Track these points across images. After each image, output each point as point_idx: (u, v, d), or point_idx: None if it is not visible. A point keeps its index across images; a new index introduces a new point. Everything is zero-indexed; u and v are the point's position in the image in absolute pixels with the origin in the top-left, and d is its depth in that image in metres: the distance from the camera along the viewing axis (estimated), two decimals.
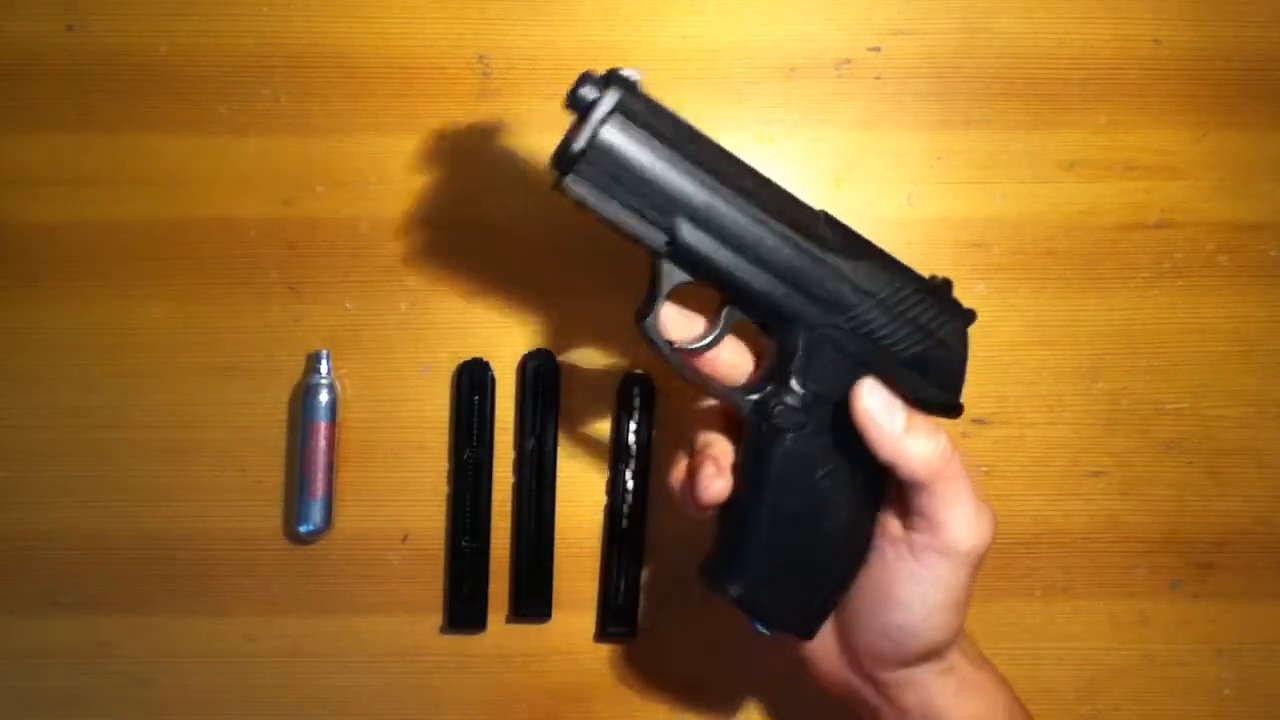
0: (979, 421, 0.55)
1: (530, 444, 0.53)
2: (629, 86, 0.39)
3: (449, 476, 0.53)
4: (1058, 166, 0.55)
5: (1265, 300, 0.55)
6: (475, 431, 0.53)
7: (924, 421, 0.41)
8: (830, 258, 0.41)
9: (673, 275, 0.41)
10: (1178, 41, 0.56)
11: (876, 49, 0.55)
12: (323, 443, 0.52)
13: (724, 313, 0.43)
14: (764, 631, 0.44)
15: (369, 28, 0.54)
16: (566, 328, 0.54)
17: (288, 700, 0.53)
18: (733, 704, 0.54)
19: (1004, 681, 0.44)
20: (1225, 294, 0.55)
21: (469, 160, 0.54)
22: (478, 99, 0.54)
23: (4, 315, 0.54)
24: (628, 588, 0.53)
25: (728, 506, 0.43)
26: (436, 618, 0.54)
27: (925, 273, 0.44)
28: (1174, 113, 0.55)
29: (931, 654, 0.42)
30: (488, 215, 0.54)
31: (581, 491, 0.54)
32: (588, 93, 0.39)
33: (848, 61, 0.55)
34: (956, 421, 0.54)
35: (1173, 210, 0.55)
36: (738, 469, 0.43)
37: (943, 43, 0.55)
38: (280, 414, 0.53)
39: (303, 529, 0.52)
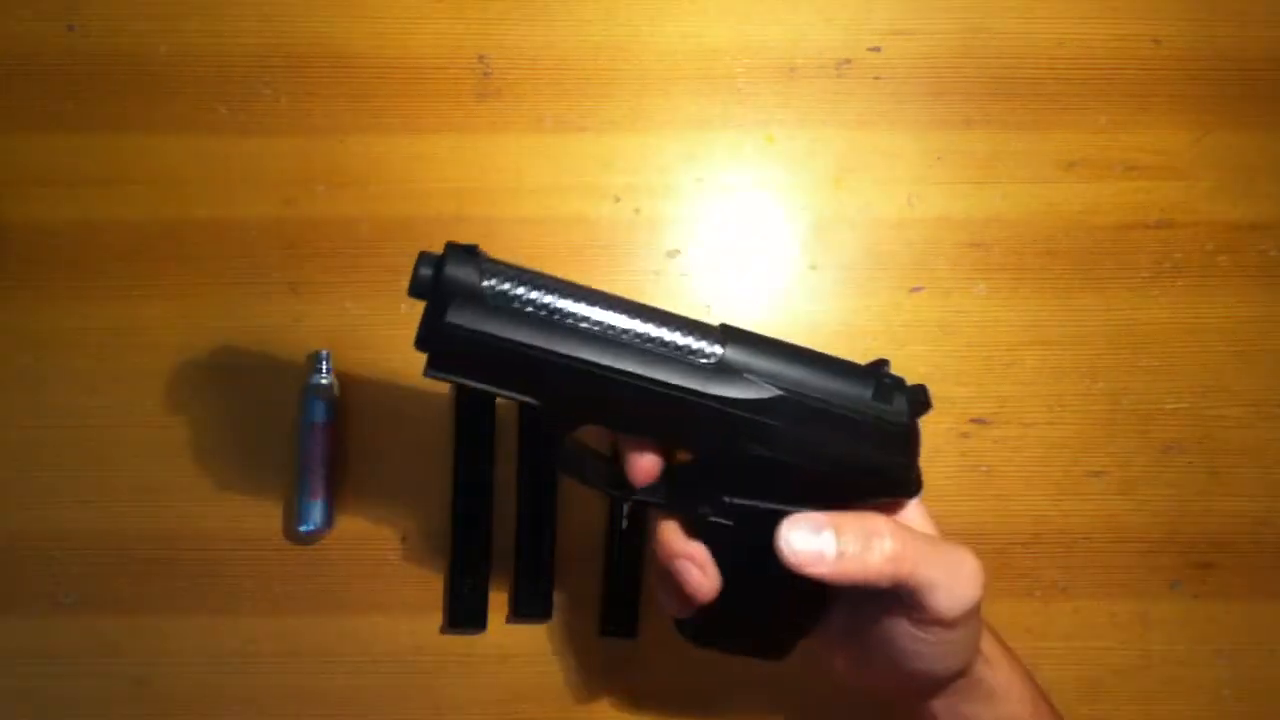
0: (979, 421, 0.55)
1: (529, 444, 0.53)
2: (467, 260, 0.37)
3: (449, 476, 0.53)
4: (1058, 166, 0.55)
5: (1265, 300, 0.55)
6: (475, 431, 0.53)
7: (859, 531, 0.38)
8: (736, 391, 0.38)
9: (564, 424, 0.40)
10: (1177, 41, 0.56)
11: (876, 49, 0.55)
12: (323, 443, 0.52)
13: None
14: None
15: (369, 28, 0.55)
16: None
17: (288, 700, 0.53)
18: (732, 704, 0.54)
19: (1024, 673, 0.45)
20: (1225, 294, 0.55)
21: (469, 160, 0.54)
22: (478, 99, 0.55)
23: (4, 315, 0.54)
24: (628, 588, 0.53)
25: None
26: (436, 618, 0.54)
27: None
28: (1174, 113, 0.56)
29: (954, 678, 0.42)
30: (487, 214, 0.54)
31: (581, 491, 0.54)
32: (425, 274, 0.37)
33: (848, 61, 0.55)
34: (956, 422, 0.54)
35: (1173, 210, 0.55)
36: None
37: (943, 43, 0.55)
38: (280, 414, 0.53)
39: (303, 529, 0.52)
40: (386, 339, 0.54)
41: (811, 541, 0.38)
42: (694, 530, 0.42)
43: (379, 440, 0.54)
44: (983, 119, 0.55)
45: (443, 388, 0.53)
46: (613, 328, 0.38)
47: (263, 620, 0.53)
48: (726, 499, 0.40)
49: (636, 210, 0.55)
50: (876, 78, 0.55)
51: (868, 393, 0.39)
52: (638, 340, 0.38)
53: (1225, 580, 0.54)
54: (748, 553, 0.40)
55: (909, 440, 0.40)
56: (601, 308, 0.38)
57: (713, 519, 0.40)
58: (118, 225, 0.54)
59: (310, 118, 0.54)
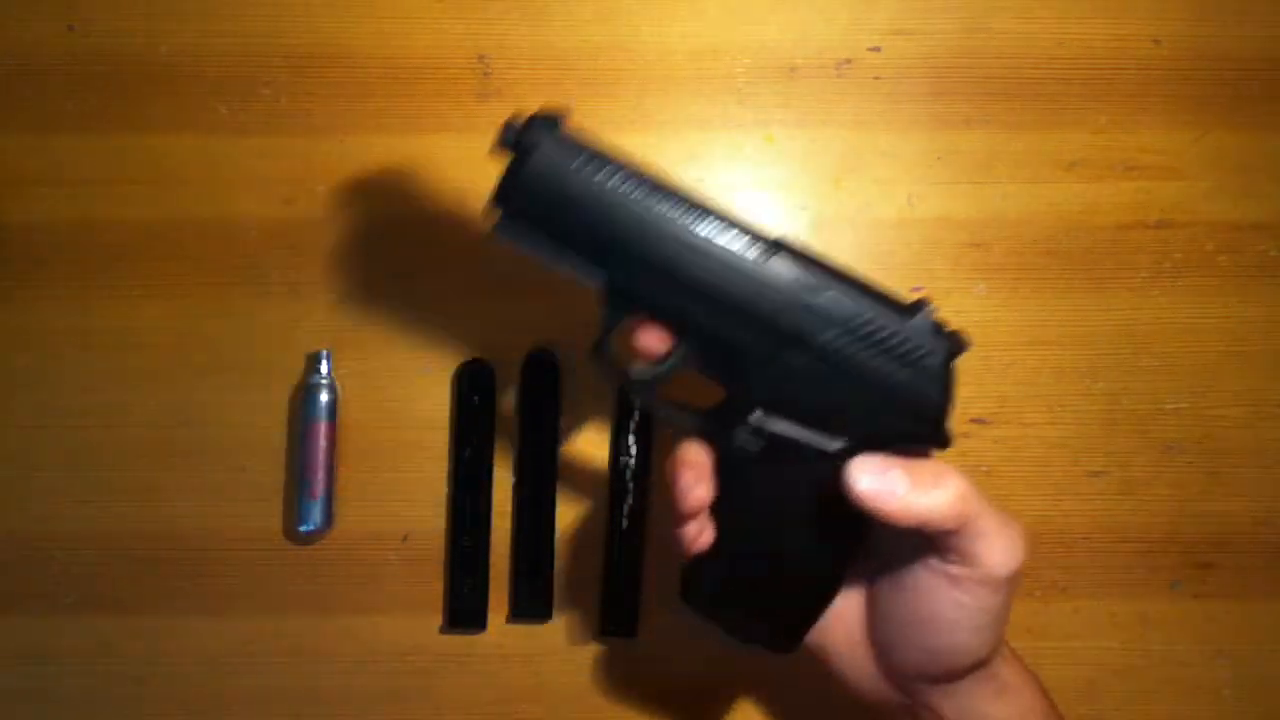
0: (979, 421, 0.55)
1: (529, 444, 0.53)
2: (554, 127, 0.39)
3: (449, 476, 0.53)
4: (1058, 166, 0.55)
5: (1265, 300, 0.55)
6: (475, 431, 0.53)
7: (928, 472, 0.38)
8: (784, 290, 0.39)
9: (618, 310, 0.41)
10: (1177, 41, 0.56)
11: (876, 49, 0.55)
12: (323, 443, 0.52)
13: (679, 344, 0.41)
14: (739, 646, 0.43)
15: (369, 28, 0.55)
16: (566, 328, 0.54)
17: (288, 700, 0.53)
18: (732, 704, 0.54)
19: (1035, 676, 0.44)
20: (1225, 294, 0.55)
21: (469, 160, 0.54)
22: (478, 99, 0.55)
23: (4, 315, 0.54)
24: (628, 588, 0.53)
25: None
26: (436, 618, 0.54)
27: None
28: (1173, 113, 0.56)
29: (976, 666, 0.41)
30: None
31: (581, 491, 0.54)
32: (511, 137, 0.39)
33: (848, 61, 0.55)
34: (956, 422, 0.54)
35: (1173, 210, 0.55)
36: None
37: (942, 43, 0.55)
38: (280, 414, 0.53)
39: (303, 529, 0.52)
40: (386, 339, 0.54)
41: (881, 479, 0.38)
42: (720, 471, 0.42)
43: (379, 440, 0.54)
44: (983, 119, 0.55)
45: (442, 387, 0.53)
46: (685, 200, 0.40)
47: (263, 620, 0.53)
48: (759, 420, 0.40)
49: None
50: (876, 78, 0.55)
51: (907, 321, 0.40)
52: (706, 216, 0.40)
53: (1225, 580, 0.54)
54: (770, 503, 0.41)
55: (946, 379, 0.40)
56: (677, 186, 0.40)
57: (745, 437, 0.40)
58: (118, 225, 0.54)
59: (310, 118, 0.54)
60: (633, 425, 0.53)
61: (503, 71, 0.55)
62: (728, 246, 0.39)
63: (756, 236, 0.40)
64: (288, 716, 0.53)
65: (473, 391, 0.53)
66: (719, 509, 0.42)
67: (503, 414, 0.54)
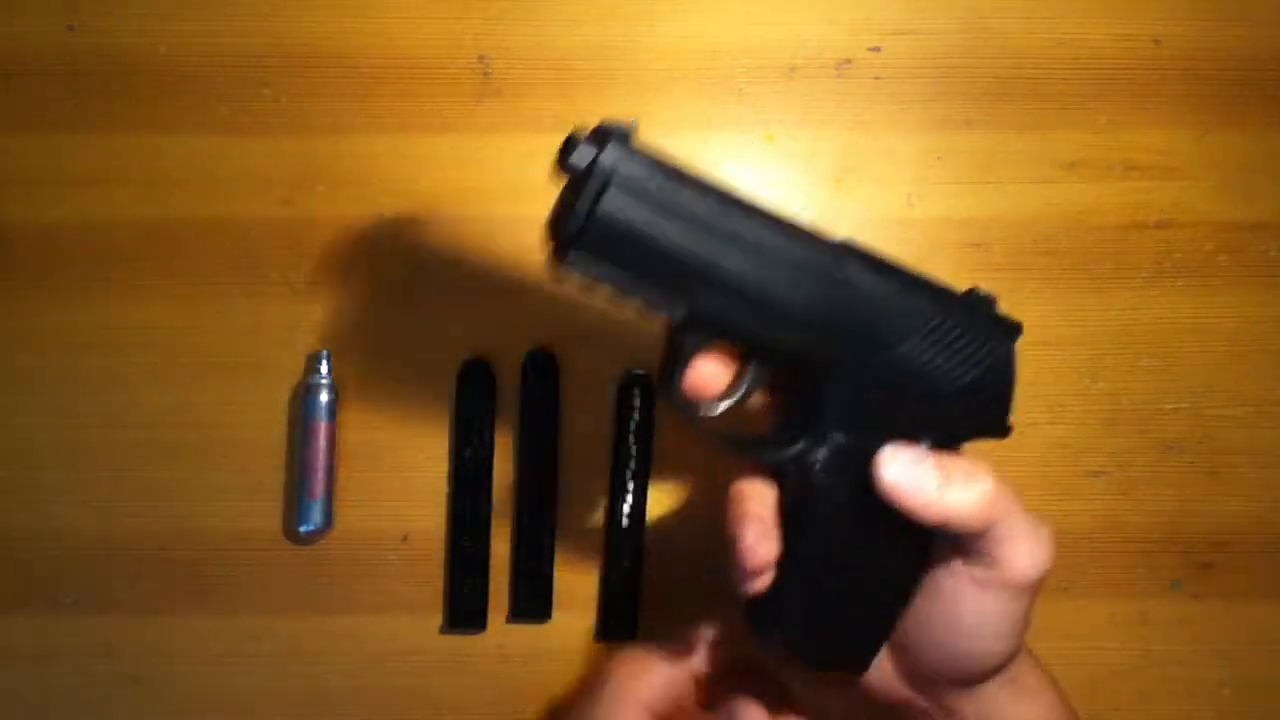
0: None
1: (529, 444, 0.53)
2: (625, 143, 0.35)
3: (449, 476, 0.53)
4: (1058, 166, 0.55)
5: (1265, 300, 0.55)
6: (475, 431, 0.53)
7: (959, 469, 0.37)
8: (865, 299, 0.37)
9: (694, 340, 0.38)
10: (1178, 41, 0.56)
11: (876, 49, 0.55)
12: (323, 443, 0.52)
13: (750, 369, 0.39)
14: (812, 670, 0.42)
15: (369, 28, 0.54)
16: (566, 328, 0.54)
17: (288, 700, 0.53)
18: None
19: (1054, 679, 0.44)
20: (1225, 294, 0.55)
21: (469, 160, 0.54)
22: (478, 99, 0.55)
23: (5, 315, 0.54)
24: (628, 588, 0.53)
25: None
26: (436, 618, 0.54)
27: (954, 283, 0.41)
28: (1174, 112, 0.55)
29: (997, 671, 0.41)
30: (487, 214, 0.54)
31: (581, 491, 0.54)
32: (581, 156, 0.35)
33: (848, 61, 0.55)
34: None
35: (1173, 210, 0.55)
36: (779, 517, 0.40)
37: (943, 43, 0.55)
38: (280, 414, 0.53)
39: (303, 529, 0.52)
40: (386, 339, 0.54)
41: (911, 472, 0.37)
42: (778, 490, 0.40)
43: (379, 440, 0.54)
44: (983, 119, 0.55)
45: (442, 388, 0.53)
46: (765, 218, 0.37)
47: (262, 620, 0.53)
48: (842, 437, 0.38)
49: None
50: (877, 78, 0.55)
51: (973, 314, 0.39)
52: (787, 231, 0.37)
53: (1225, 580, 0.54)
54: (844, 525, 0.39)
55: (1012, 364, 0.40)
56: (747, 200, 0.37)
57: (825, 463, 0.38)
58: (118, 225, 0.54)
59: (310, 118, 0.54)
60: (633, 425, 0.53)
61: (503, 71, 0.55)
62: (810, 255, 0.37)
63: (826, 242, 0.38)
64: (288, 716, 0.53)
65: (473, 391, 0.53)
66: (797, 541, 0.40)
67: (503, 414, 0.54)
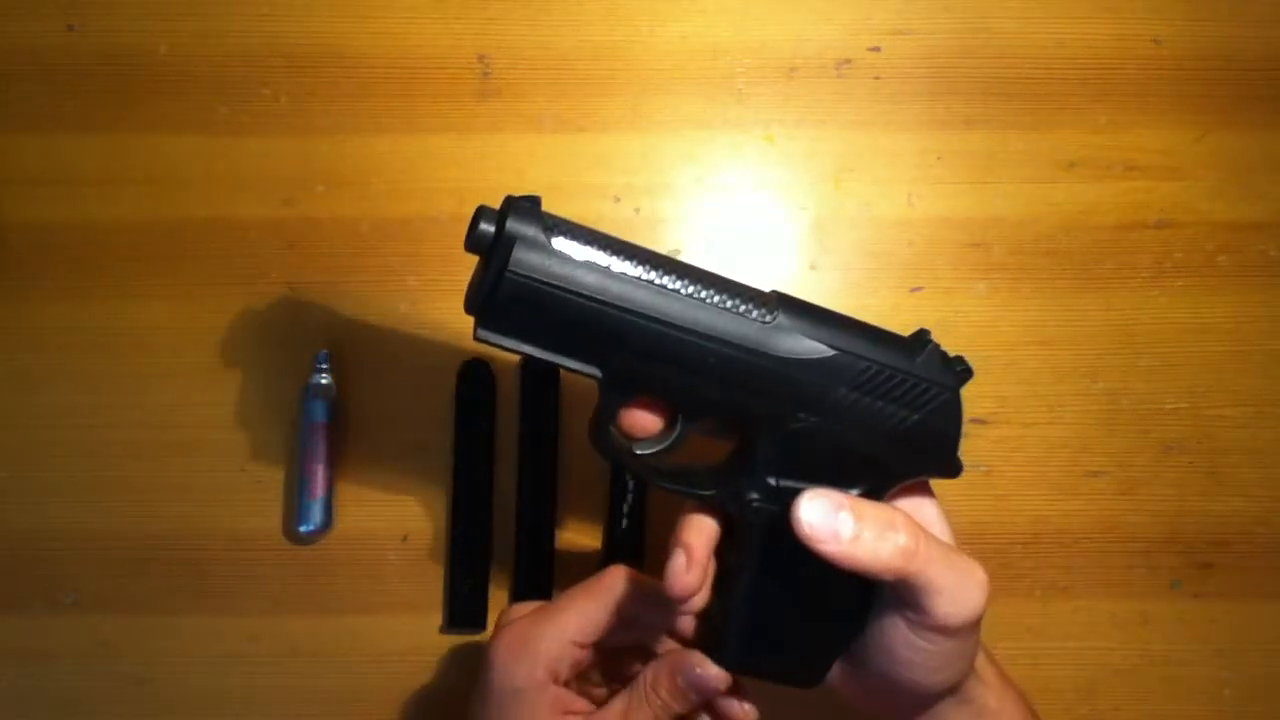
0: (979, 421, 0.55)
1: (529, 444, 0.53)
2: (530, 216, 0.36)
3: (449, 476, 0.53)
4: (1058, 166, 0.55)
5: (1265, 300, 0.55)
6: (475, 431, 0.53)
7: (876, 520, 0.38)
8: (791, 356, 0.38)
9: (617, 397, 0.39)
10: (1177, 41, 0.56)
11: (876, 49, 0.55)
12: (323, 443, 0.52)
13: (680, 420, 0.40)
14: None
15: (369, 28, 0.55)
16: None
17: (288, 700, 0.53)
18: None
19: (1018, 697, 0.44)
20: (1225, 294, 0.55)
21: (469, 160, 0.54)
22: (478, 99, 0.55)
23: (4, 315, 0.54)
24: None
25: (717, 582, 0.41)
26: (436, 618, 0.54)
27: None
28: (1174, 113, 0.56)
29: (942, 697, 0.41)
30: None
31: (581, 492, 0.54)
32: (486, 230, 0.36)
33: (848, 61, 0.55)
34: None
35: (1173, 210, 0.55)
36: (722, 550, 0.41)
37: (942, 43, 0.55)
38: (280, 414, 0.53)
39: (303, 529, 0.52)
40: (386, 339, 0.54)
41: (828, 519, 0.37)
42: (736, 531, 0.41)
43: (379, 440, 0.54)
44: (983, 119, 0.55)
45: (442, 388, 0.53)
46: (677, 285, 0.37)
47: (262, 620, 0.53)
48: (774, 481, 0.39)
49: (636, 210, 0.55)
50: (876, 78, 0.55)
51: (914, 360, 0.39)
52: (701, 297, 0.37)
53: (1225, 580, 0.54)
54: (791, 558, 0.39)
55: (957, 409, 0.40)
56: (663, 267, 0.37)
57: (758, 504, 0.39)
58: (118, 225, 0.54)
59: (310, 118, 0.54)
60: None
61: (503, 71, 0.55)
62: (728, 320, 0.37)
63: (754, 299, 0.38)
64: (288, 716, 0.53)
65: (473, 391, 0.53)
66: (740, 569, 0.41)
67: (503, 414, 0.54)
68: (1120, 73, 0.56)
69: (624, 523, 0.53)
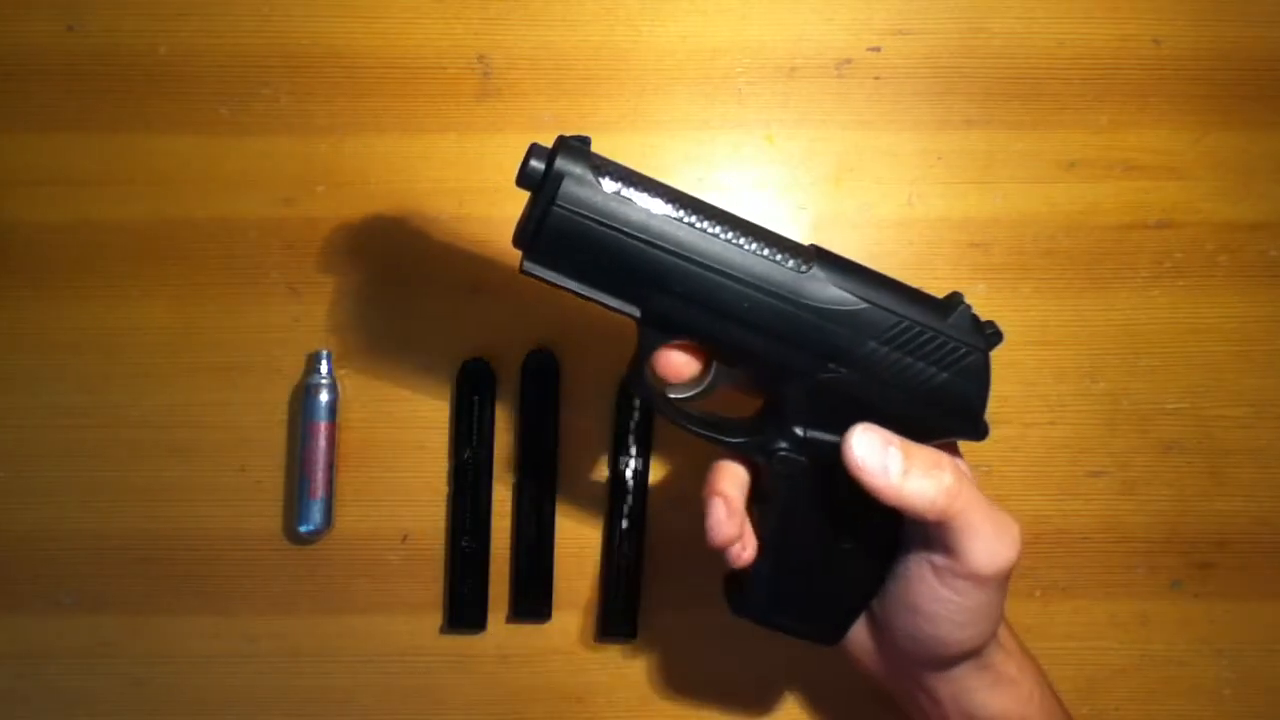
0: None
1: (529, 444, 0.53)
2: (579, 155, 0.37)
3: (449, 476, 0.53)
4: (1058, 166, 0.55)
5: (1265, 300, 0.55)
6: (475, 431, 0.53)
7: (924, 459, 0.39)
8: (824, 306, 0.39)
9: (654, 337, 0.40)
10: (1178, 41, 0.56)
11: (876, 49, 0.55)
12: (323, 443, 0.52)
13: (713, 367, 0.41)
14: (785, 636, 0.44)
15: (369, 28, 0.54)
16: (566, 328, 0.54)
17: (288, 700, 0.53)
18: (732, 704, 0.54)
19: (1038, 670, 0.44)
20: (1225, 294, 0.55)
21: (469, 160, 0.54)
22: (478, 99, 0.55)
23: (4, 315, 0.54)
24: (628, 588, 0.53)
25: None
26: (436, 618, 0.54)
27: (921, 281, 0.42)
28: (1174, 113, 0.55)
29: (965, 657, 0.41)
30: (487, 214, 0.54)
31: (581, 491, 0.54)
32: (537, 166, 0.37)
33: (848, 61, 0.55)
34: None
35: (1173, 210, 0.55)
36: (751, 499, 0.42)
37: (943, 43, 0.55)
38: (280, 414, 0.53)
39: (303, 529, 0.52)
40: (386, 339, 0.54)
41: (879, 453, 0.38)
42: (763, 482, 0.42)
43: (379, 440, 0.54)
44: (983, 119, 0.55)
45: (442, 388, 0.53)
46: (717, 229, 0.38)
47: (263, 620, 0.53)
48: (801, 431, 0.40)
49: None
50: (876, 78, 0.55)
51: (945, 319, 0.40)
52: (740, 243, 0.38)
53: (1226, 580, 0.54)
54: (816, 510, 0.41)
55: (985, 375, 0.40)
56: (706, 212, 0.38)
57: (786, 453, 0.40)
58: (118, 225, 0.54)
59: (310, 118, 0.54)
60: (633, 425, 0.53)
61: (503, 71, 0.55)
62: (765, 266, 0.38)
63: (791, 249, 0.39)
64: (288, 716, 0.53)
65: (473, 391, 0.53)
66: (765, 520, 0.42)
67: (503, 414, 0.54)
68: (1120, 73, 0.56)
69: (624, 523, 0.53)
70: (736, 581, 0.44)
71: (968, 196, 0.55)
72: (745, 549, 0.42)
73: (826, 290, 0.39)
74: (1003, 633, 0.43)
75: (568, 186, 0.37)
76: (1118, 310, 0.55)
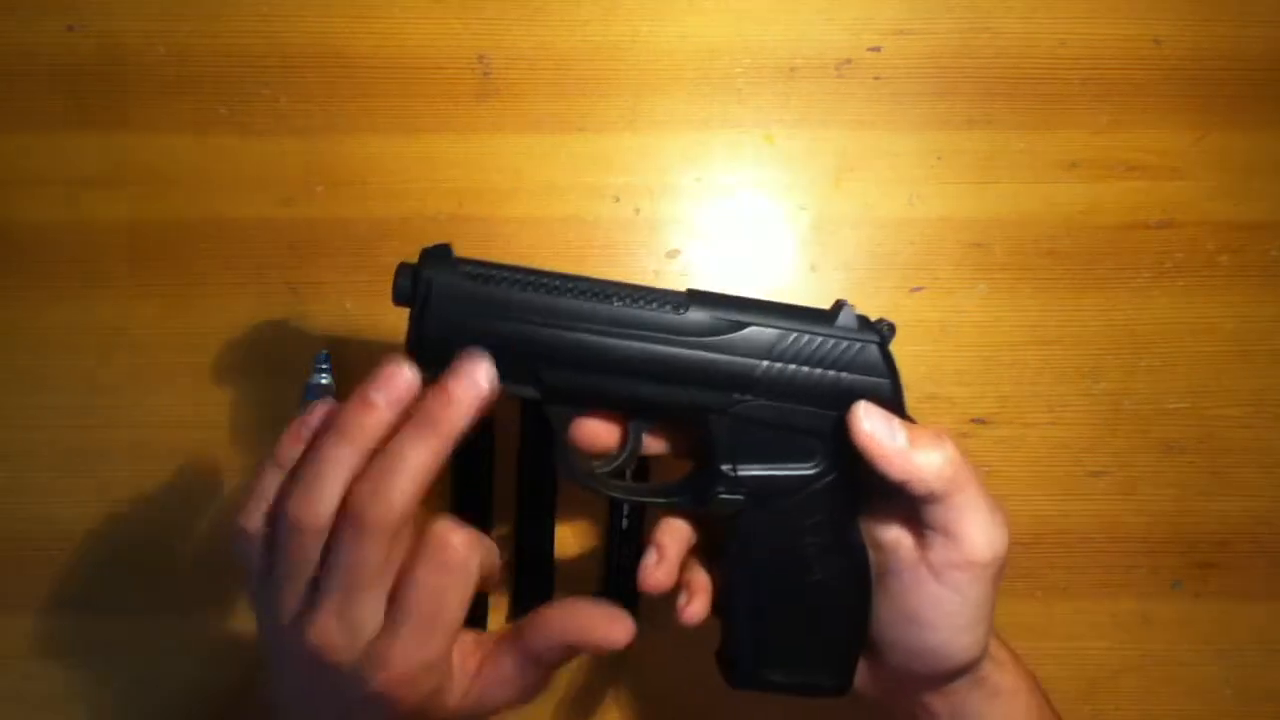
0: (979, 421, 0.55)
1: (529, 444, 0.53)
2: (442, 261, 0.39)
3: (449, 477, 0.53)
4: (1058, 166, 0.55)
5: (1265, 300, 0.55)
6: (475, 431, 0.53)
7: (926, 432, 0.39)
8: (706, 342, 0.39)
9: (564, 413, 0.41)
10: (1178, 41, 0.56)
11: (876, 49, 0.55)
12: None
13: (630, 426, 0.42)
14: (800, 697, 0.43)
15: (369, 28, 0.55)
16: None
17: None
18: (732, 705, 0.54)
19: (1033, 680, 0.44)
20: (1226, 294, 0.55)
21: (468, 160, 0.54)
22: (478, 99, 0.55)
23: (4, 315, 0.54)
24: (628, 588, 0.53)
25: (716, 602, 0.42)
26: None
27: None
28: (1174, 113, 0.55)
29: (963, 670, 0.41)
30: (487, 214, 0.54)
31: (581, 492, 0.54)
32: (404, 282, 0.39)
33: (848, 61, 0.55)
34: (957, 422, 0.54)
35: (1173, 210, 0.55)
36: (709, 555, 0.43)
37: (943, 43, 0.55)
38: (280, 414, 0.53)
39: None
40: (386, 339, 0.54)
41: (885, 425, 0.39)
42: (712, 539, 0.42)
43: None
44: (983, 119, 0.55)
45: None
46: (590, 295, 0.39)
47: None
48: (731, 469, 0.40)
49: (636, 210, 0.55)
50: (877, 78, 0.55)
51: (830, 323, 0.40)
52: (612, 301, 0.39)
53: (1226, 580, 0.54)
54: (775, 548, 0.40)
55: (887, 365, 0.40)
56: (573, 280, 0.40)
57: (723, 495, 0.40)
58: (118, 225, 0.54)
59: (310, 118, 0.54)
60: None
61: (503, 71, 0.55)
62: (642, 317, 0.39)
63: (664, 297, 0.40)
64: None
65: None
66: (728, 573, 0.42)
67: (503, 414, 0.54)
68: (1121, 73, 0.56)
69: (624, 523, 0.53)
70: (723, 652, 0.43)
71: (968, 196, 0.55)
72: (690, 602, 0.42)
73: (706, 324, 0.40)
74: (994, 645, 0.43)
75: (437, 292, 0.39)
76: (1118, 310, 0.55)
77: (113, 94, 0.54)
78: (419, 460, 0.36)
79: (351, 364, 0.54)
